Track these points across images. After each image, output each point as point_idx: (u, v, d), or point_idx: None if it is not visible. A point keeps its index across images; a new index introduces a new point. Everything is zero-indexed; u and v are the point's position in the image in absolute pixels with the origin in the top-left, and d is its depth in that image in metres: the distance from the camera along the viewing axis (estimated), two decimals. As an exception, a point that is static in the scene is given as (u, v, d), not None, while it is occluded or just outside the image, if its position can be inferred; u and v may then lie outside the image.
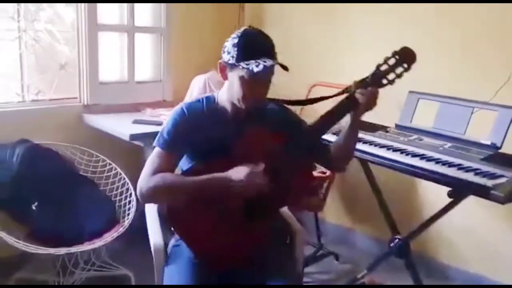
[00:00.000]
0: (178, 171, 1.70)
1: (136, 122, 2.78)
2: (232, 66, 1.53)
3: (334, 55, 3.17)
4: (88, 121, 2.88)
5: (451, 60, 2.68)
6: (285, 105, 1.78)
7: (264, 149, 1.58)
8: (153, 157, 1.61)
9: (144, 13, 3.19)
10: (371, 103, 1.62)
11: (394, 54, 1.62)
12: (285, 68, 1.49)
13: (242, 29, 1.57)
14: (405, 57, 1.62)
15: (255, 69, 1.45)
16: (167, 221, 1.69)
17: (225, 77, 1.60)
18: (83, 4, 2.80)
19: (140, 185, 1.57)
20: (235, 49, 1.51)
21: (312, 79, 3.12)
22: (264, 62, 1.46)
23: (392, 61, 1.62)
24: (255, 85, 1.54)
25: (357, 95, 1.60)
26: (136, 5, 3.08)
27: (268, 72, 1.51)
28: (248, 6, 3.62)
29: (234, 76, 1.55)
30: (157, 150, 1.62)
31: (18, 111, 2.70)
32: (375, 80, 1.61)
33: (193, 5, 3.34)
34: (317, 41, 3.22)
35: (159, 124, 2.76)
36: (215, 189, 1.54)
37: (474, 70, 2.60)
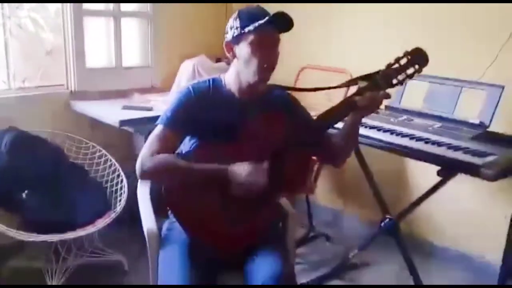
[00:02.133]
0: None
1: (125, 108, 2.76)
2: (238, 37, 1.55)
3: (323, 38, 3.16)
4: (76, 107, 2.85)
5: (438, 39, 2.69)
6: (289, 92, 1.78)
7: (268, 134, 1.57)
8: (155, 134, 1.60)
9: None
10: (372, 107, 1.61)
11: (406, 54, 1.60)
12: (289, 20, 1.51)
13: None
14: (417, 58, 1.60)
15: (261, 22, 1.48)
16: (163, 199, 1.64)
17: (233, 56, 1.60)
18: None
19: (140, 162, 1.56)
20: (237, 20, 1.55)
21: (301, 62, 3.12)
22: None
23: (403, 61, 1.59)
24: (265, 47, 1.54)
25: (357, 98, 1.59)
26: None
27: (274, 31, 1.54)
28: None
29: (243, 48, 1.55)
30: (159, 127, 1.61)
31: (5, 99, 2.66)
32: (385, 80, 1.59)
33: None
34: (306, 24, 3.21)
35: (149, 109, 2.75)
36: (215, 180, 1.53)
37: (461, 49, 2.61)
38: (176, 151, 1.67)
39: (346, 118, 1.69)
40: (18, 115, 2.62)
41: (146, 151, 1.57)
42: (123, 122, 2.54)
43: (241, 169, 1.52)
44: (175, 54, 3.26)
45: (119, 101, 2.90)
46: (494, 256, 2.49)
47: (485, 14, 2.53)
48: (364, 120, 2.29)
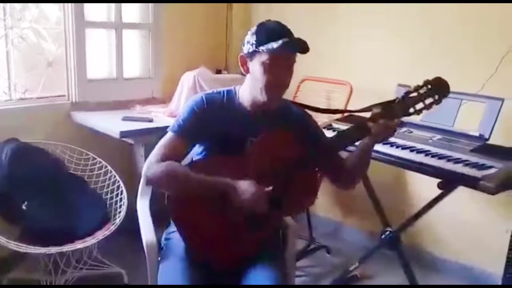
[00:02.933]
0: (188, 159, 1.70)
1: (125, 119, 2.76)
2: (253, 54, 1.54)
3: (323, 49, 3.17)
4: (77, 119, 2.86)
5: (439, 52, 2.70)
6: (306, 111, 1.76)
7: (277, 153, 1.56)
8: (165, 141, 1.60)
9: (132, 9, 3.16)
10: (385, 134, 1.58)
11: (427, 83, 1.56)
12: (305, 47, 1.50)
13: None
14: (438, 88, 1.55)
15: (275, 45, 1.46)
16: (167, 208, 1.62)
17: (246, 70, 1.60)
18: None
19: (146, 168, 1.56)
20: (254, 36, 1.53)
21: (301, 74, 3.12)
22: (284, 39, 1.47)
23: (423, 90, 1.56)
24: (277, 69, 1.52)
25: (371, 125, 1.56)
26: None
27: (289, 54, 1.53)
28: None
29: (255, 65, 1.54)
30: (170, 134, 1.61)
31: (6, 110, 2.66)
32: (401, 108, 1.55)
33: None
34: (306, 35, 3.21)
35: (149, 121, 2.75)
36: (218, 194, 1.52)
37: (461, 61, 2.62)
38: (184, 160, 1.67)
39: (358, 145, 1.67)
40: (19, 126, 2.61)
41: (154, 157, 1.57)
42: (123, 133, 2.54)
43: (244, 190, 1.50)
44: (176, 65, 3.26)
45: (120, 112, 2.90)
46: (496, 268, 2.48)
47: (485, 27, 2.54)
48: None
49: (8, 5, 2.62)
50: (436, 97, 1.56)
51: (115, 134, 2.55)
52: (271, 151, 1.56)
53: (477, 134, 2.17)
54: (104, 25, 3.06)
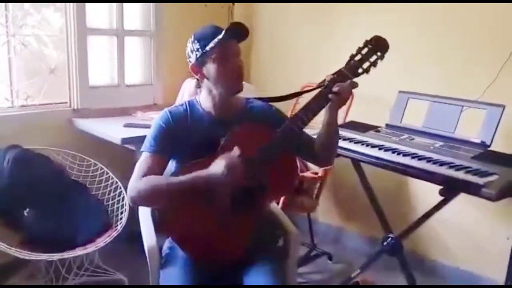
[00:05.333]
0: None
1: (127, 125, 2.77)
2: (203, 57, 1.60)
3: (324, 56, 3.18)
4: (79, 125, 2.87)
5: (439, 59, 2.71)
6: (270, 103, 1.80)
7: (249, 144, 1.57)
8: (141, 161, 1.63)
9: (134, 16, 3.18)
10: (342, 95, 1.60)
11: (367, 43, 1.64)
12: (245, 29, 1.59)
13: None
14: (378, 45, 1.64)
15: (220, 36, 1.54)
16: (158, 225, 1.70)
17: (202, 77, 1.64)
18: (71, 8, 2.79)
19: (128, 189, 1.59)
20: (196, 42, 1.61)
21: (302, 80, 3.13)
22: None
23: (365, 51, 1.64)
24: (229, 58, 1.59)
25: (326, 90, 1.60)
26: (126, 8, 3.07)
27: (234, 42, 1.61)
28: (237, 7, 3.62)
29: (209, 66, 1.60)
30: (144, 154, 1.64)
31: (8, 117, 2.68)
32: (350, 70, 1.62)
33: (182, 7, 3.34)
34: (308, 41, 3.23)
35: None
36: (199, 186, 1.53)
37: (462, 69, 2.63)
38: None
39: (323, 119, 1.68)
40: (21, 133, 2.62)
41: (134, 179, 1.59)
42: (125, 140, 2.55)
43: (217, 162, 1.52)
44: (177, 71, 3.26)
45: (122, 119, 2.91)
46: (497, 275, 2.48)
47: (485, 33, 2.55)
48: (365, 138, 2.32)
49: (10, 12, 2.64)
50: (379, 53, 1.64)
51: (117, 140, 2.56)
52: (242, 143, 1.57)
53: (478, 140, 2.17)
54: (106, 32, 3.07)
